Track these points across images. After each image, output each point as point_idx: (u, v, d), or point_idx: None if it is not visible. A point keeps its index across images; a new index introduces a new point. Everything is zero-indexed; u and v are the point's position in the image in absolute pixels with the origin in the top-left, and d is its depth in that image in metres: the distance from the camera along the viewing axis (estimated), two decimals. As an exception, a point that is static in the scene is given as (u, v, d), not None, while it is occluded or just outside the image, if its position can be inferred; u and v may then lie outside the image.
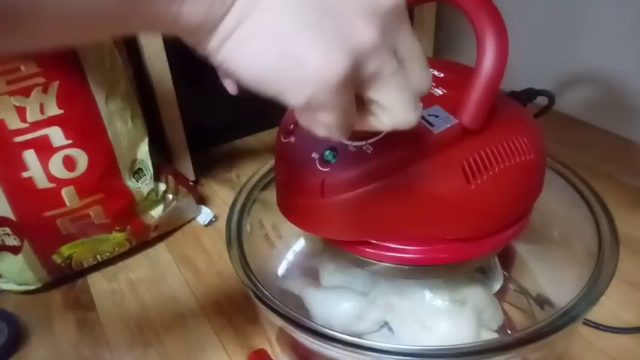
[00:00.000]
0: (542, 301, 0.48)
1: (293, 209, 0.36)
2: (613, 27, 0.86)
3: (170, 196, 0.73)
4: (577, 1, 0.90)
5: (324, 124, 0.23)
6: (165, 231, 0.76)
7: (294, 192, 0.35)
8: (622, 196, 0.76)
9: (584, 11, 0.90)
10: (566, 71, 0.96)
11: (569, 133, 0.89)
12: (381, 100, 0.23)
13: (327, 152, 0.33)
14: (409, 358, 0.32)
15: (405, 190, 0.31)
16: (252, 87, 0.21)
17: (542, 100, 0.49)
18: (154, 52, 0.75)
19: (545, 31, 0.97)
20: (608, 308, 0.59)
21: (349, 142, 0.32)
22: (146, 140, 0.68)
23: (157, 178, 0.71)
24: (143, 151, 0.68)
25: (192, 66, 0.83)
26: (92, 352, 0.60)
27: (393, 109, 0.23)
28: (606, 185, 0.43)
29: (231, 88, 0.59)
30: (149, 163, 0.68)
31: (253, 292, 0.37)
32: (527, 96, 0.46)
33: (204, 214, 0.80)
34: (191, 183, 0.81)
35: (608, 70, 0.90)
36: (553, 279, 0.47)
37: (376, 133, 0.31)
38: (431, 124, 0.32)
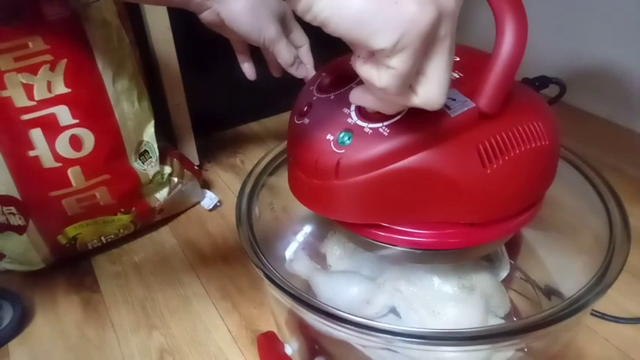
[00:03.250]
0: (550, 292, 0.48)
1: (305, 191, 0.36)
2: (622, 19, 0.85)
3: (175, 180, 0.73)
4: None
5: (393, 72, 0.24)
6: (170, 214, 0.76)
7: (308, 174, 0.35)
8: (627, 188, 0.76)
9: (592, 3, 0.89)
10: (573, 63, 0.95)
11: (574, 125, 0.88)
12: (429, 69, 0.25)
13: (343, 134, 0.32)
14: (420, 340, 0.32)
15: (420, 173, 0.31)
16: (342, 31, 0.24)
17: (549, 91, 0.48)
18: (160, 34, 0.74)
19: (553, 21, 0.96)
20: (612, 298, 0.59)
21: (365, 124, 0.32)
22: (152, 122, 0.68)
23: (162, 161, 0.70)
24: (149, 133, 0.67)
25: (198, 51, 0.83)
26: (97, 334, 0.60)
27: (432, 82, 0.26)
28: (611, 177, 0.43)
29: (249, 73, 0.58)
30: (155, 146, 0.68)
31: (263, 272, 0.37)
32: (540, 83, 0.46)
33: (209, 199, 0.79)
34: (196, 167, 0.81)
35: (615, 62, 0.89)
36: (561, 268, 0.47)
37: (394, 115, 0.31)
38: (448, 107, 0.31)
